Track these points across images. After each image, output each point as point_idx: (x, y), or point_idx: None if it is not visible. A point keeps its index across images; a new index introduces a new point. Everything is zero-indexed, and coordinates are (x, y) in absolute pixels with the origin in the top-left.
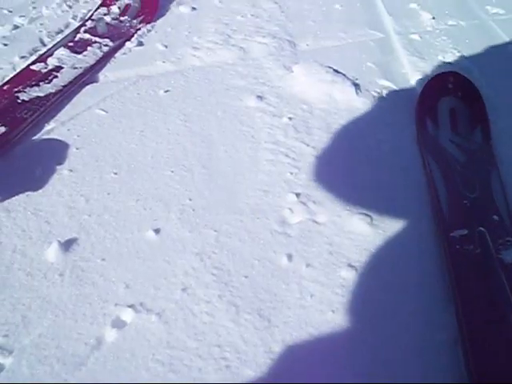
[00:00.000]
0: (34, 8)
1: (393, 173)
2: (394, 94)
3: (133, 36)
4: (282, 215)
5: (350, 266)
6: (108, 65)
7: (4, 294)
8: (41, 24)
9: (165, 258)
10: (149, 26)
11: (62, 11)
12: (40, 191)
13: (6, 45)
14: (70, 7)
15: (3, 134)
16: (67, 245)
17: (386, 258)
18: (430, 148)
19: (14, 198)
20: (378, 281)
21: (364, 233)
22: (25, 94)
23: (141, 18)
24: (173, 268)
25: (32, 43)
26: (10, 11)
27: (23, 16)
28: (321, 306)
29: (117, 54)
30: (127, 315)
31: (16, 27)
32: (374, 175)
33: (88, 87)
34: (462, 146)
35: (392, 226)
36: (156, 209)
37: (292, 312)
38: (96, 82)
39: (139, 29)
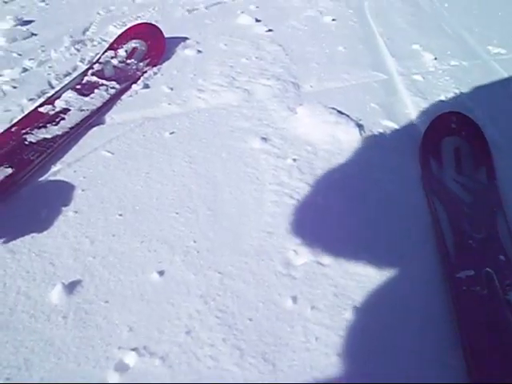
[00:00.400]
0: (43, 51)
1: (398, 213)
2: (398, 135)
3: (139, 79)
4: (287, 257)
5: (355, 307)
6: (114, 107)
7: (7, 336)
8: (49, 67)
9: (169, 300)
10: (155, 69)
11: (71, 54)
12: (45, 233)
13: (14, 87)
14: (78, 50)
15: (10, 175)
16: (71, 287)
17: (392, 299)
18: (435, 188)
19: (19, 240)
20: (383, 322)
21: (369, 274)
22: (32, 136)
23: (147, 60)
24: (177, 311)
25: (40, 86)
26: (20, 54)
27: (32, 59)
28: (326, 349)
29: (123, 97)
30: (130, 358)
31: (25, 70)
32: (378, 216)
33: (94, 129)
34: (466, 186)
35: (397, 267)
36: (160, 251)
37: (297, 355)
38: (102, 124)
39: (145, 71)
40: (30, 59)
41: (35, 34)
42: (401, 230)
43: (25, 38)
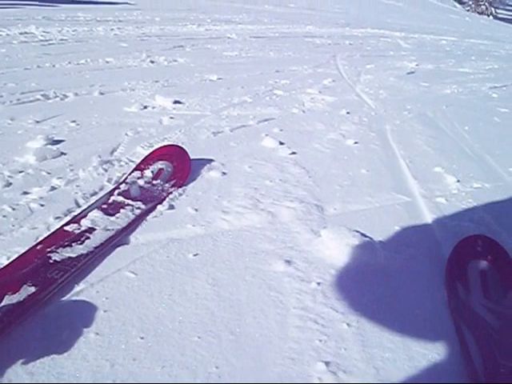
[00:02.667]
0: (72, 170)
1: (425, 339)
2: (422, 258)
3: (164, 199)
4: None
5: None
6: (139, 227)
7: None
8: (77, 186)
9: None
10: (180, 190)
11: (98, 174)
12: (65, 354)
13: (42, 205)
14: (106, 170)
15: (33, 294)
16: None
17: None
18: (462, 313)
19: (38, 361)
20: None
21: None
22: (57, 255)
23: (173, 182)
24: None
25: (67, 204)
26: (49, 173)
27: (61, 178)
28: None
29: (148, 217)
30: None
31: (53, 188)
32: (404, 342)
33: (119, 249)
34: (494, 311)
35: None
36: (182, 376)
37: None
38: (127, 244)
39: (171, 192)
40: (59, 178)
41: (64, 154)
42: (428, 356)
43: (54, 157)
